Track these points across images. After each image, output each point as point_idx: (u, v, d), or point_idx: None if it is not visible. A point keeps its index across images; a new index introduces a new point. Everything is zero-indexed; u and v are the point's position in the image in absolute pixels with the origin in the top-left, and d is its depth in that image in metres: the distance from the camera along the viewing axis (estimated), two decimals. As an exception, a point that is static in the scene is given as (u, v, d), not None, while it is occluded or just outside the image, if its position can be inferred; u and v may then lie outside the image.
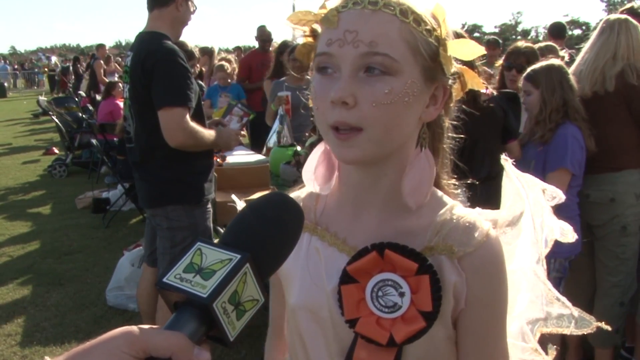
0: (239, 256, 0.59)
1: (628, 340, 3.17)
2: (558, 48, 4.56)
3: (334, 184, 0.94)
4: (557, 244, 1.05)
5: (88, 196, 6.88)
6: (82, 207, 6.75)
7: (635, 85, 2.71)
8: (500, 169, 1.03)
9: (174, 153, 2.67)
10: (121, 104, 7.53)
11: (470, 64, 0.88)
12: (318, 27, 0.87)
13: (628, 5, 3.68)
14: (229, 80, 6.31)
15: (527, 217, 1.00)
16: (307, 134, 4.01)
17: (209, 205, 2.91)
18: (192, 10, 2.88)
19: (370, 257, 0.83)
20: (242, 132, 3.32)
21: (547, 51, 4.42)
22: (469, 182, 1.02)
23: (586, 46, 2.94)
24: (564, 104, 2.71)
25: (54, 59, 27.52)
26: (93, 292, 4.41)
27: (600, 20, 2.99)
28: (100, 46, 13.49)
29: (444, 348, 0.87)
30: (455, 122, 0.95)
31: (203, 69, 7.41)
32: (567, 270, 2.72)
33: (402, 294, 0.82)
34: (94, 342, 0.54)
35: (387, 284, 0.83)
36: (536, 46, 4.26)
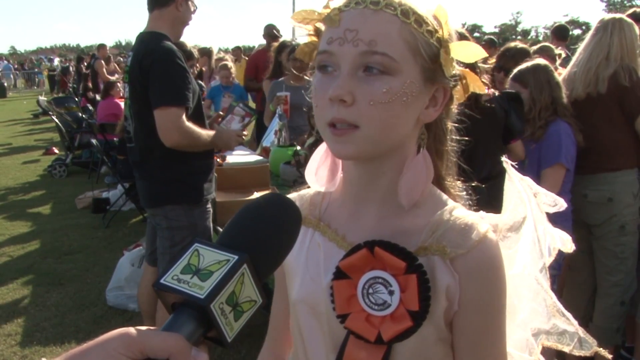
0: (236, 257, 0.59)
1: (628, 340, 3.17)
2: (553, 47, 4.57)
3: (339, 182, 0.95)
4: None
5: (88, 196, 6.88)
6: (82, 207, 6.75)
7: (627, 86, 2.72)
8: (500, 170, 1.03)
9: (172, 153, 2.67)
10: (120, 104, 7.54)
11: (471, 65, 0.88)
12: (322, 26, 0.88)
13: (630, 11, 3.68)
14: (231, 79, 6.30)
15: (529, 222, 0.99)
16: (305, 136, 4.02)
17: (209, 205, 2.91)
18: (192, 10, 2.88)
19: (361, 254, 0.84)
20: (245, 132, 3.32)
21: (542, 51, 4.43)
22: (474, 184, 1.02)
23: (581, 47, 2.94)
24: (553, 102, 2.79)
25: (56, 60, 27.52)
26: (93, 292, 4.41)
27: (598, 20, 2.99)
28: (102, 46, 13.48)
29: (435, 349, 0.86)
30: (456, 125, 0.95)
31: (203, 69, 7.41)
32: (562, 267, 2.74)
33: (391, 292, 0.82)
34: (90, 343, 0.54)
35: (378, 282, 0.83)
36: (533, 48, 4.26)
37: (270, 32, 6.92)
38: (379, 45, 0.78)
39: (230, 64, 6.41)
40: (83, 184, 7.86)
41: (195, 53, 4.76)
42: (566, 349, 1.03)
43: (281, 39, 5.86)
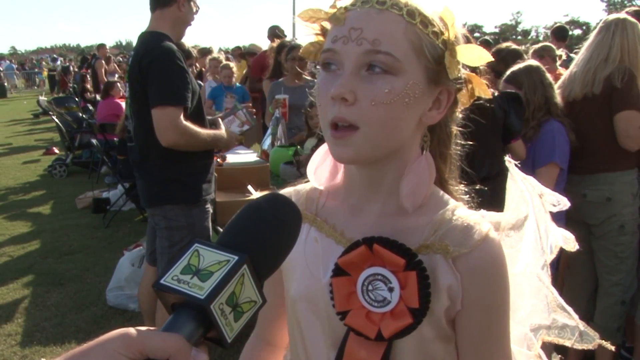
0: (236, 257, 0.59)
1: (628, 340, 3.17)
2: (554, 48, 4.57)
3: (340, 178, 0.95)
4: None
5: (88, 196, 6.88)
6: (82, 207, 6.75)
7: (618, 88, 2.71)
8: (499, 170, 1.03)
9: (171, 153, 2.67)
10: (121, 103, 7.55)
11: (473, 67, 0.88)
12: (328, 25, 0.88)
13: (633, 8, 3.66)
14: (233, 80, 6.30)
15: (532, 221, 0.99)
16: (303, 134, 4.02)
17: (208, 205, 2.91)
18: (194, 10, 2.88)
19: (360, 250, 0.84)
20: (240, 137, 3.36)
21: (544, 51, 4.43)
22: (477, 187, 1.02)
23: (583, 47, 2.94)
24: (546, 102, 2.83)
25: (60, 60, 27.51)
26: (93, 292, 4.41)
27: (600, 20, 2.99)
28: (101, 46, 13.50)
29: (434, 347, 0.86)
30: (460, 129, 0.95)
31: (203, 69, 7.41)
32: (556, 265, 2.75)
33: (391, 289, 0.82)
34: (91, 344, 0.54)
35: (377, 278, 0.83)
36: (533, 47, 4.25)
37: (275, 33, 6.92)
38: (382, 44, 0.78)
39: (231, 64, 6.41)
40: (83, 184, 7.86)
41: (194, 53, 4.76)
42: (567, 343, 1.03)
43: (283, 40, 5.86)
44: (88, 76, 13.21)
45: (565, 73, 3.09)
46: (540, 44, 4.57)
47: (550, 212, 1.03)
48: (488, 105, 2.67)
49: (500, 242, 0.88)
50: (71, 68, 20.31)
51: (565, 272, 3.20)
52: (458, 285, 0.83)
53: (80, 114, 9.56)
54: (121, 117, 5.95)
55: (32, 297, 4.36)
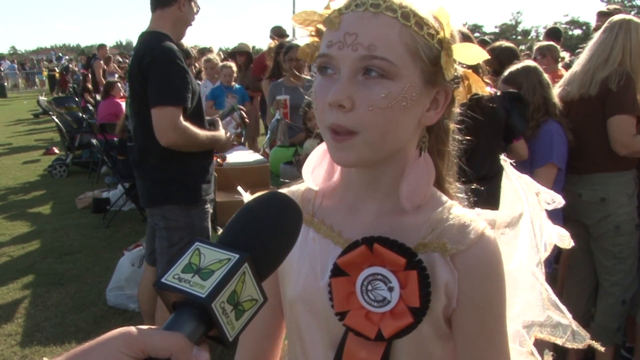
0: (237, 256, 0.59)
1: (628, 340, 3.17)
2: (559, 48, 4.58)
3: (336, 179, 0.95)
4: None
5: (88, 196, 6.89)
6: (82, 207, 6.75)
7: (613, 90, 2.70)
8: (498, 169, 1.03)
9: (171, 153, 2.67)
10: (121, 103, 7.54)
11: (474, 66, 0.88)
12: (323, 27, 0.87)
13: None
14: (234, 80, 6.30)
15: (526, 219, 0.99)
16: (302, 135, 4.02)
17: (207, 206, 2.90)
18: (195, 10, 2.87)
19: (360, 250, 0.84)
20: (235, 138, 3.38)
21: (547, 50, 4.43)
22: (473, 187, 1.02)
23: (587, 47, 2.94)
24: (544, 102, 2.84)
25: (64, 58, 27.46)
26: (93, 292, 4.41)
27: (607, 20, 2.96)
28: (101, 46, 13.49)
29: (433, 345, 0.87)
30: (458, 126, 0.95)
31: (202, 69, 7.41)
32: (552, 264, 2.75)
33: (391, 289, 0.82)
34: (92, 343, 0.54)
35: (377, 278, 0.83)
36: (537, 45, 4.25)
37: (279, 33, 6.93)
38: (378, 49, 0.78)
39: (231, 64, 6.40)
40: (83, 184, 7.86)
41: (193, 52, 4.75)
42: (559, 341, 1.03)
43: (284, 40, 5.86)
44: (90, 76, 13.22)
45: (567, 73, 3.09)
46: (545, 43, 4.57)
47: (547, 211, 1.03)
48: (491, 105, 2.68)
49: (496, 240, 0.88)
50: (70, 67, 20.29)
51: (565, 271, 3.21)
52: (455, 283, 0.84)
53: (80, 114, 9.56)
54: (121, 117, 5.95)
55: (32, 297, 4.36)
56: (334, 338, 0.89)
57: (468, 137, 0.97)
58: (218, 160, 3.89)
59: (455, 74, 0.85)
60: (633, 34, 2.75)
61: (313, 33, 0.90)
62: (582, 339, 1.03)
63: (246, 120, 4.19)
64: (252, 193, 1.17)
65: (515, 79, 2.89)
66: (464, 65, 0.88)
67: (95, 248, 5.44)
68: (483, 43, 7.39)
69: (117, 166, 6.21)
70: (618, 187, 2.83)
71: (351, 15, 0.80)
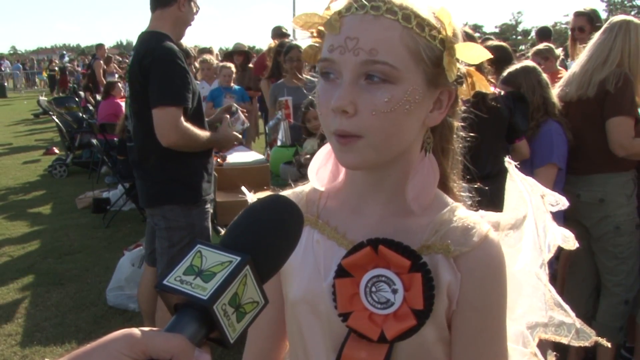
0: (239, 258, 0.59)
1: (628, 340, 3.17)
2: (554, 48, 4.59)
3: (341, 180, 0.95)
4: None
5: (88, 196, 6.89)
6: (83, 207, 6.75)
7: (611, 92, 2.70)
8: (500, 168, 1.03)
9: (171, 153, 2.67)
10: (121, 103, 7.54)
11: (477, 65, 0.87)
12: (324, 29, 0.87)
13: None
14: (232, 81, 6.29)
15: (530, 220, 0.99)
16: (303, 137, 4.02)
17: (208, 206, 2.90)
18: (195, 10, 2.88)
19: (365, 252, 0.84)
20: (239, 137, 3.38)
21: (549, 53, 4.44)
22: (476, 186, 1.01)
23: (587, 47, 2.93)
24: (544, 102, 2.85)
25: (67, 57, 27.48)
26: (93, 292, 4.41)
27: (608, 21, 2.96)
28: (100, 46, 13.48)
29: (435, 348, 0.86)
30: (462, 124, 0.95)
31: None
32: (554, 265, 2.75)
33: (395, 291, 0.82)
34: (94, 344, 0.54)
35: (381, 280, 0.83)
36: (536, 47, 4.26)
37: (281, 33, 6.93)
38: (379, 54, 0.77)
39: (230, 64, 6.40)
40: (83, 184, 7.86)
41: (192, 52, 4.75)
42: (564, 341, 1.03)
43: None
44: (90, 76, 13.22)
45: (566, 74, 3.09)
46: (541, 45, 4.58)
47: (551, 212, 1.03)
48: (494, 104, 2.69)
49: (499, 243, 0.88)
50: (69, 67, 20.29)
51: (565, 271, 3.21)
52: (457, 285, 0.83)
53: (81, 114, 9.56)
54: (121, 117, 5.95)
55: (32, 297, 4.36)
56: (336, 339, 0.89)
57: (472, 134, 0.97)
58: (218, 160, 3.89)
59: (458, 72, 0.84)
60: (632, 35, 2.74)
61: (315, 34, 0.90)
62: (588, 337, 1.03)
63: (245, 117, 4.19)
64: (252, 193, 1.16)
65: (515, 79, 2.90)
66: (467, 64, 0.87)
67: (95, 248, 5.44)
68: (484, 42, 7.40)
69: (117, 166, 6.21)
70: (616, 188, 2.83)
71: (352, 18, 0.80)
